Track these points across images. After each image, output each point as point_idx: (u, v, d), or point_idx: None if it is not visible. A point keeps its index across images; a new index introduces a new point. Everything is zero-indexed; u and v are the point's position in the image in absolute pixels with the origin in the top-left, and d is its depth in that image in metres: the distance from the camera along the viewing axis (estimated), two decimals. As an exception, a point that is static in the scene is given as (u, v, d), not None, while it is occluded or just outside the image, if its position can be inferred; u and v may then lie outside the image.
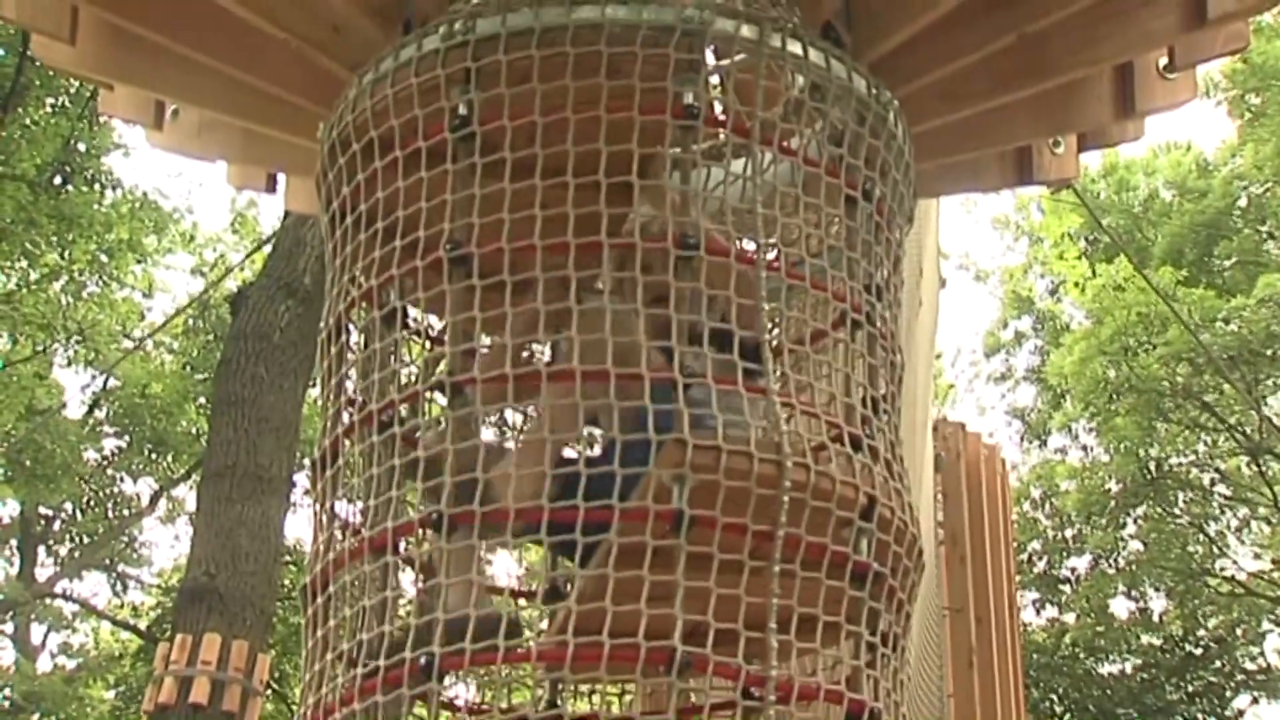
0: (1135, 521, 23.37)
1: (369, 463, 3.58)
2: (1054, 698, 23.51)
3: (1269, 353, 20.23)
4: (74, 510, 22.91)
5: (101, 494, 22.99)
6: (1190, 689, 23.44)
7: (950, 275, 25.02)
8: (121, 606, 23.75)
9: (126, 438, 22.71)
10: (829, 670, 3.52)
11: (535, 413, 3.82)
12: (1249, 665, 23.50)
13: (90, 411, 22.75)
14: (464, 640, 3.17)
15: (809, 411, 3.52)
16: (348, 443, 3.70)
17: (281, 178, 5.54)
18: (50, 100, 17.81)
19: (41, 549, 23.18)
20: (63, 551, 23.29)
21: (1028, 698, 15.71)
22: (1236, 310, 20.13)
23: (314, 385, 11.67)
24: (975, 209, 28.20)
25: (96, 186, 18.93)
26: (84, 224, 18.72)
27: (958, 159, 5.02)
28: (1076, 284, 24.21)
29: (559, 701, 3.52)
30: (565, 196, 3.47)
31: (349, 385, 3.78)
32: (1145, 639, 23.74)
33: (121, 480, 23.21)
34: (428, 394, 3.52)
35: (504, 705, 3.47)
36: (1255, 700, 23.45)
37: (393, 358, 3.71)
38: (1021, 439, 25.87)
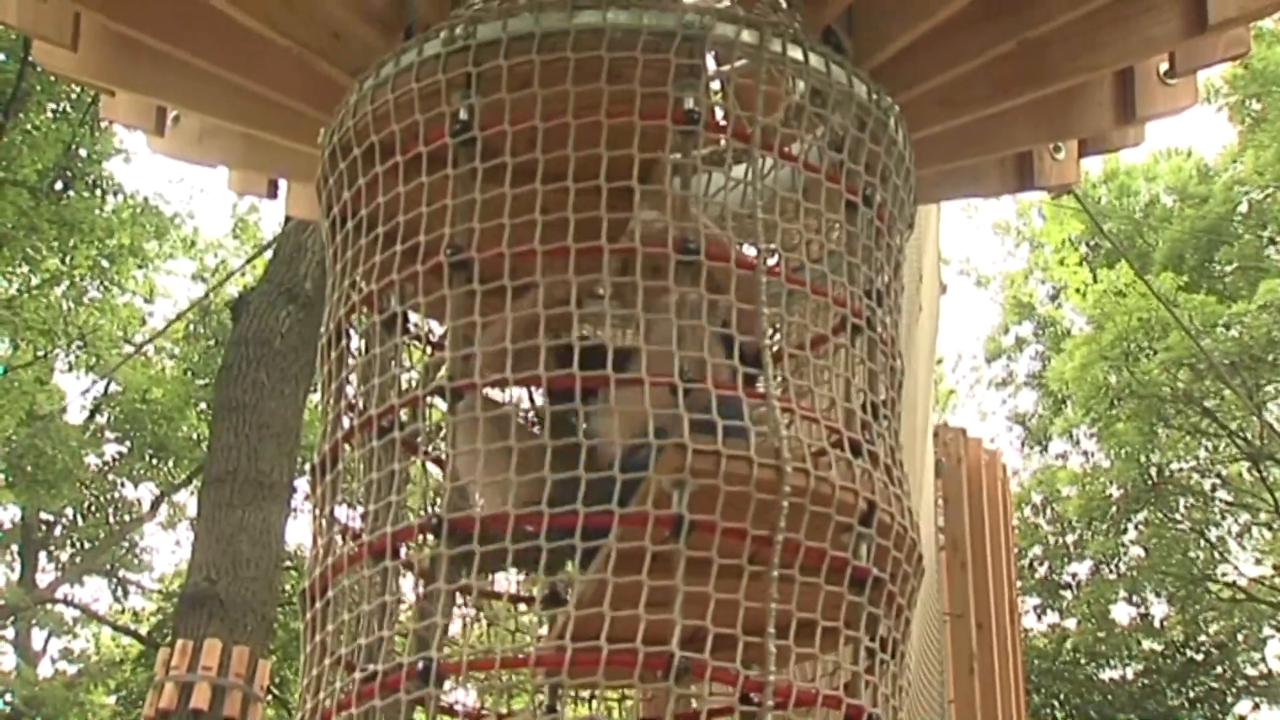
0: (1136, 527, 23.37)
1: (369, 467, 3.59)
2: (1055, 703, 23.50)
3: (1270, 358, 20.22)
4: (75, 515, 22.92)
5: (102, 499, 22.99)
6: (1191, 694, 23.44)
7: (951, 281, 25.08)
8: (122, 612, 23.75)
9: (127, 443, 22.71)
10: (828, 676, 3.51)
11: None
12: (1250, 671, 23.49)
13: (91, 416, 22.76)
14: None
15: (809, 417, 3.51)
16: (347, 447, 3.70)
17: (282, 183, 5.55)
18: (52, 106, 17.80)
19: (42, 554, 23.19)
20: (64, 557, 23.30)
21: (1029, 703, 15.70)
22: (1237, 316, 20.13)
23: (315, 391, 11.67)
24: (976, 214, 28.21)
25: (98, 192, 18.93)
26: (85, 229, 18.72)
27: (958, 164, 5.02)
28: (1078, 290, 24.21)
29: (557, 707, 3.52)
30: (566, 201, 3.47)
31: (349, 390, 3.78)
32: (1146, 644, 23.73)
33: (122, 485, 23.22)
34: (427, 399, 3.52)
35: (503, 710, 3.47)
36: (1256, 706, 23.46)
37: (393, 363, 3.71)
38: (1022, 444, 25.91)
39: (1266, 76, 21.47)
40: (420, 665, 3.22)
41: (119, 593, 23.47)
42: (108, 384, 22.12)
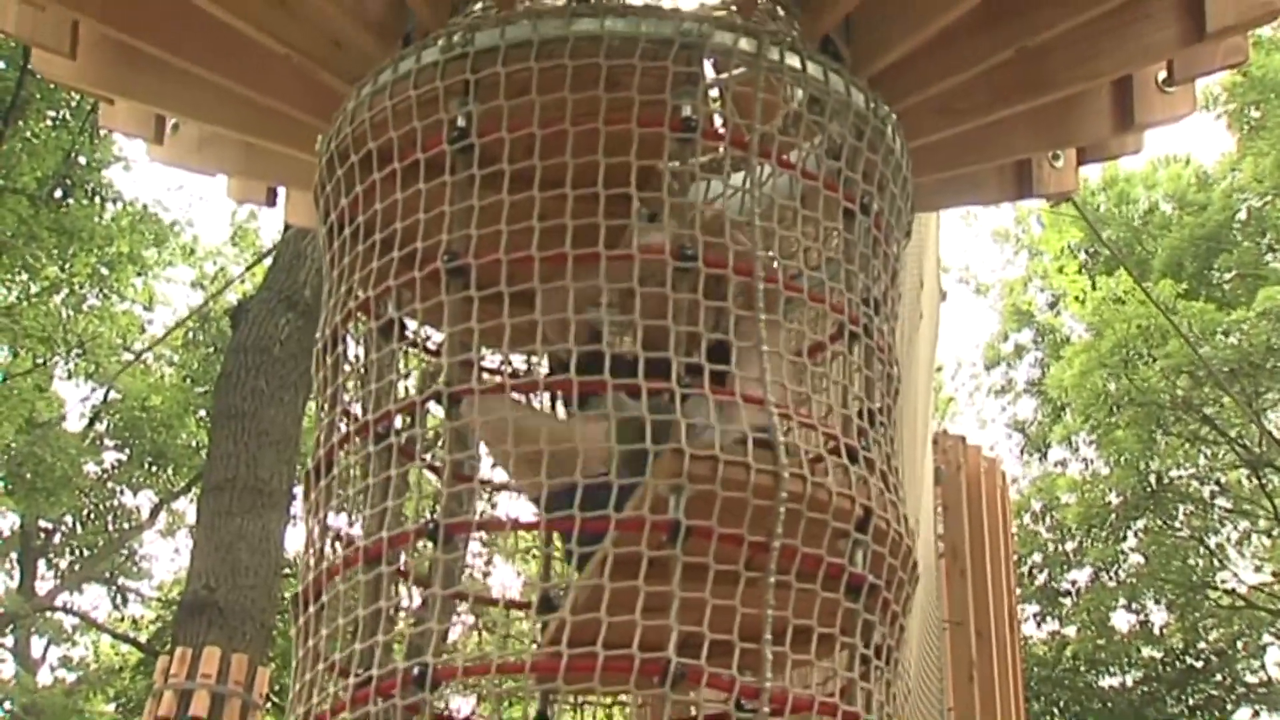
0: (1136, 534, 23.36)
1: (364, 473, 3.59)
2: (1055, 711, 23.48)
3: (1269, 365, 20.22)
4: (74, 523, 22.91)
5: (101, 507, 22.98)
6: (1191, 702, 23.42)
7: (950, 288, 25.09)
8: (121, 620, 23.74)
9: (126, 450, 22.72)
10: (823, 683, 3.51)
11: None
12: (1250, 678, 23.47)
13: (90, 424, 22.77)
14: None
15: (806, 423, 3.51)
16: (342, 453, 3.70)
17: (281, 191, 5.55)
18: (51, 114, 17.84)
19: (41, 562, 23.18)
20: (63, 564, 23.28)
21: (1028, 711, 15.69)
22: (1236, 323, 20.15)
23: (314, 398, 11.68)
24: (975, 222, 28.28)
25: (97, 200, 18.97)
26: (84, 237, 18.76)
27: (957, 172, 5.02)
28: (1077, 297, 24.23)
29: (549, 714, 3.52)
30: (564, 208, 3.47)
31: (344, 396, 3.78)
32: (1146, 652, 23.71)
33: (121, 493, 23.22)
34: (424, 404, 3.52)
35: (497, 718, 3.47)
36: (1256, 714, 23.43)
37: (389, 369, 3.72)
38: (1022, 452, 25.90)
39: (1265, 84, 21.49)
40: (415, 671, 3.22)
41: (118, 600, 23.47)
42: (107, 391, 22.12)
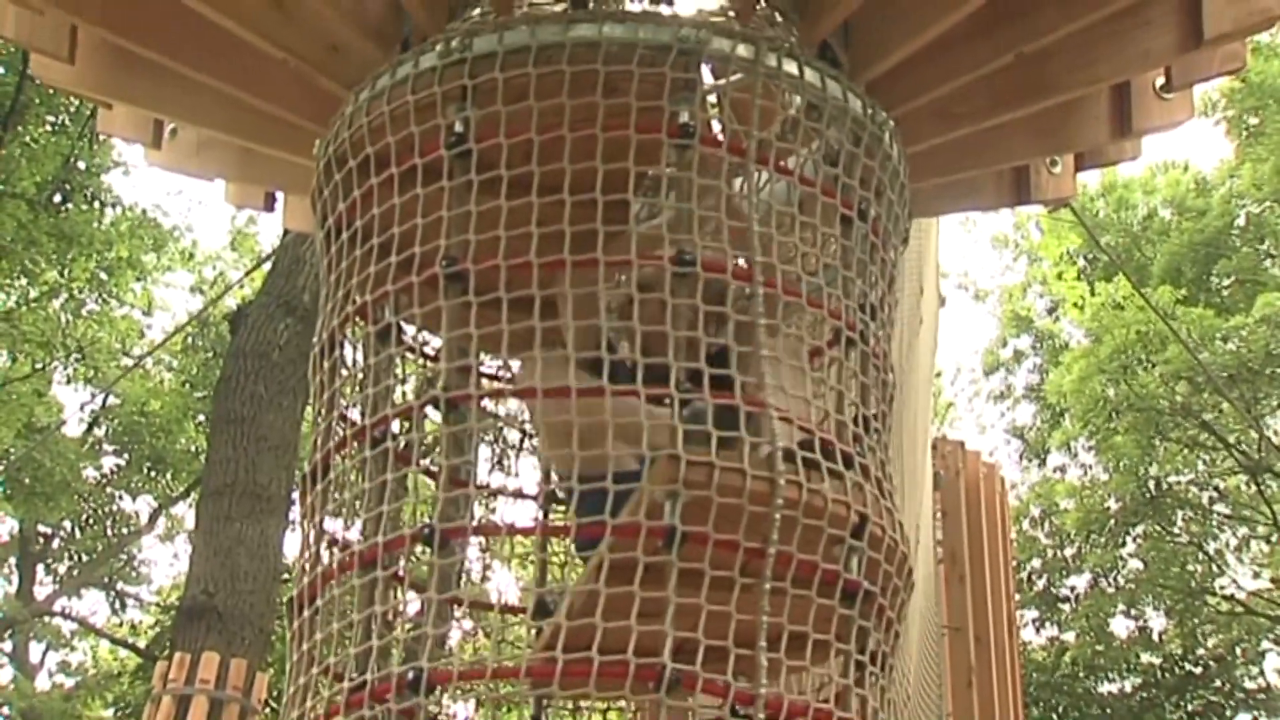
0: (1135, 540, 23.36)
1: (361, 478, 3.59)
2: (1053, 717, 23.46)
3: (1268, 371, 20.23)
4: (73, 528, 22.91)
5: (100, 512, 22.98)
6: (1190, 708, 23.41)
7: (949, 294, 25.05)
8: (120, 625, 23.74)
9: (125, 455, 22.72)
10: (818, 689, 3.51)
11: None
12: (1248, 684, 23.45)
13: (89, 429, 22.76)
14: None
15: (803, 429, 3.51)
16: (339, 458, 3.70)
17: (280, 196, 5.55)
18: (50, 119, 17.85)
19: (40, 567, 23.18)
20: (61, 569, 23.29)
21: (1027, 717, 15.68)
22: (1235, 329, 20.15)
23: (311, 403, 11.68)
24: (974, 228, 28.25)
25: (96, 204, 18.97)
26: (83, 242, 18.76)
27: (956, 178, 5.02)
28: (1076, 303, 24.23)
29: (544, 719, 3.52)
30: (561, 214, 3.47)
31: (341, 400, 3.78)
32: (1145, 658, 23.70)
33: (120, 498, 23.23)
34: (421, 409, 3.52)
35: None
36: (1255, 719, 23.42)
37: (386, 374, 3.72)
38: (1021, 457, 25.91)
39: (1264, 90, 21.51)
40: (410, 675, 3.22)
41: (117, 605, 23.47)
42: (106, 397, 22.13)
